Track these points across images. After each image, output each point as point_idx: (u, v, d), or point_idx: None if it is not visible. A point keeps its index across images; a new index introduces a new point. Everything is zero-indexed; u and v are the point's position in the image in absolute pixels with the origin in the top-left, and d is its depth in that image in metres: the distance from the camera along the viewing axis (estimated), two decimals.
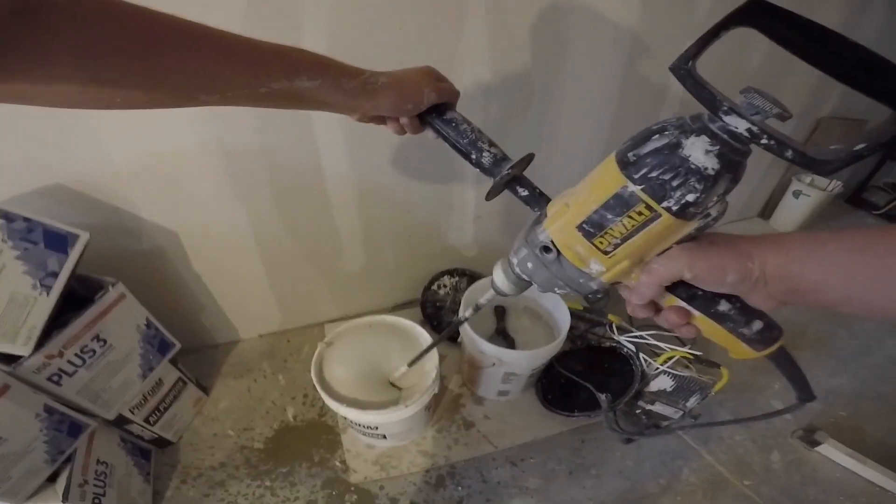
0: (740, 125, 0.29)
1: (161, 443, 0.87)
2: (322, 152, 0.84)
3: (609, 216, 0.32)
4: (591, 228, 0.33)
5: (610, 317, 0.95)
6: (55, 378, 0.64)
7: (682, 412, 0.83)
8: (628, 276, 0.36)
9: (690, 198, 0.29)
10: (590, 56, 0.91)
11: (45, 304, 0.62)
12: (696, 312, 0.35)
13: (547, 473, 0.84)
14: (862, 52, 0.26)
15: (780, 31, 0.28)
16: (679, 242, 0.34)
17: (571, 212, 0.34)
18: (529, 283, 0.44)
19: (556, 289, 0.40)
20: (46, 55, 0.27)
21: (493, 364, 0.83)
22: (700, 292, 0.35)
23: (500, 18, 0.79)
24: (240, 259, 0.95)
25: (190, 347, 1.03)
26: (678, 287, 0.35)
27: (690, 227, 0.32)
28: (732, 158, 0.29)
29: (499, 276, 0.47)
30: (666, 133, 0.30)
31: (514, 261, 0.42)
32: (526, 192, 0.43)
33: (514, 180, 0.44)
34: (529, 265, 0.40)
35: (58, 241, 0.65)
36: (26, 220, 0.62)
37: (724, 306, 0.35)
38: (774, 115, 0.28)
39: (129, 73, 0.31)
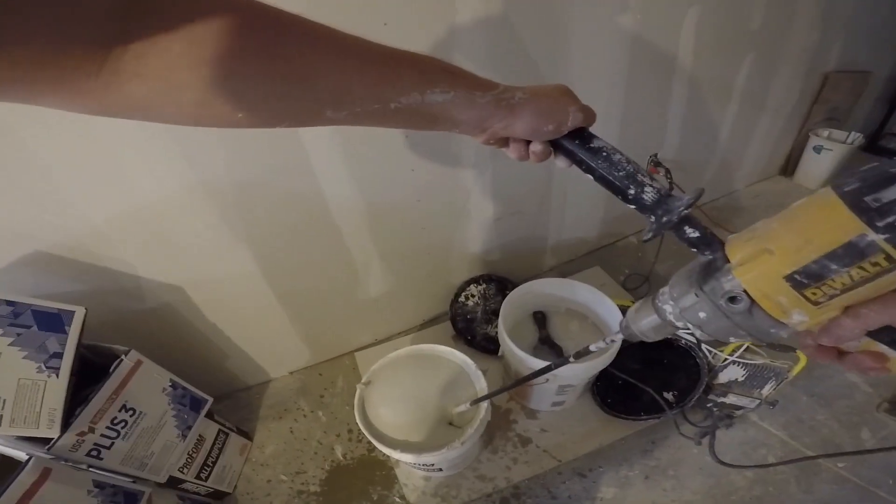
0: None
1: (218, 495, 0.84)
2: (321, 178, 0.77)
3: (833, 266, 0.27)
4: (805, 279, 0.29)
5: None
6: (94, 453, 0.63)
7: (758, 401, 0.78)
8: (834, 325, 0.31)
9: None
10: (593, 46, 0.86)
11: (57, 386, 0.60)
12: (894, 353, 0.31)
13: (620, 481, 0.79)
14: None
15: None
16: None
17: (778, 259, 0.30)
18: (677, 329, 0.38)
19: (730, 338, 0.35)
20: (159, 48, 0.25)
21: (546, 380, 0.77)
22: None
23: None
24: (255, 302, 0.89)
25: (222, 394, 0.99)
26: (882, 332, 0.30)
27: None
28: None
29: (645, 325, 0.40)
30: None
31: (675, 309, 0.36)
32: (696, 234, 0.36)
33: (683, 223, 0.36)
34: (702, 315, 0.34)
35: (52, 321, 0.63)
36: (10, 303, 0.59)
37: None
38: None
39: (251, 78, 0.29)
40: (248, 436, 0.93)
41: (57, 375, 0.60)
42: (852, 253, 0.27)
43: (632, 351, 0.85)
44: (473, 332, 1.02)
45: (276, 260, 0.85)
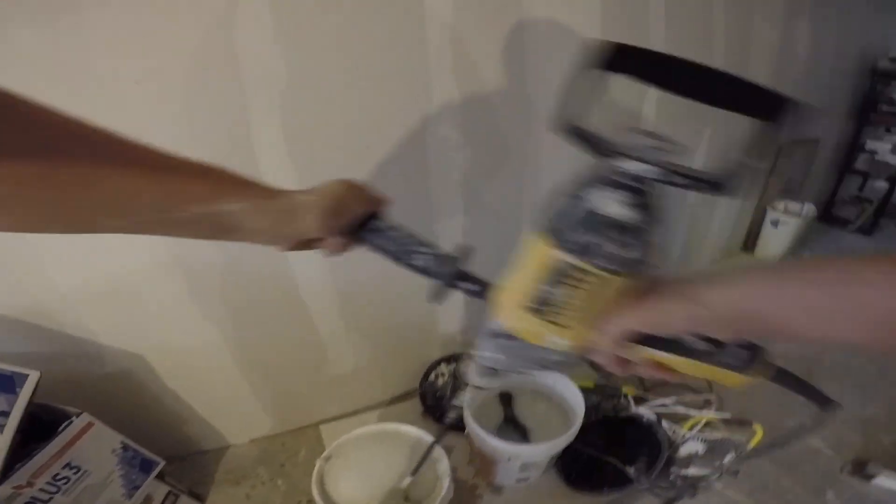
0: (641, 168, 0.28)
1: None
2: (290, 259, 0.79)
3: (551, 290, 0.31)
4: (539, 306, 0.33)
5: (625, 389, 0.90)
6: None
7: (719, 472, 0.77)
8: (590, 340, 0.35)
9: (624, 253, 0.29)
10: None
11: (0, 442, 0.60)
12: (667, 356, 0.34)
13: None
14: (714, 75, 0.27)
15: (645, 73, 0.29)
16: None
17: (515, 295, 0.34)
18: (501, 372, 0.44)
19: (528, 370, 0.40)
20: None
21: (509, 459, 0.77)
22: (662, 337, 0.34)
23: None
24: (218, 372, 0.88)
25: (176, 456, 0.94)
26: (646, 341, 0.34)
27: (634, 276, 0.32)
28: (646, 202, 0.29)
29: (472, 375, 0.46)
30: (579, 196, 0.30)
31: (480, 355, 0.42)
32: (473, 287, 0.40)
33: (458, 277, 0.41)
34: (487, 354, 0.40)
35: (4, 382, 0.64)
36: None
37: (694, 343, 0.34)
38: (665, 150, 0.28)
39: (17, 181, 0.26)
40: (200, 498, 0.89)
41: (1, 432, 0.60)
42: (557, 274, 0.30)
43: (595, 427, 0.86)
44: (442, 410, 1.01)
45: (241, 333, 0.85)
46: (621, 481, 0.79)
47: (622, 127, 0.29)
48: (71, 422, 0.65)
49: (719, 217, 1.40)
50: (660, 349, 0.34)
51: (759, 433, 0.72)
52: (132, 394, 0.83)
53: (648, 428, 0.81)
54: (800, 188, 1.53)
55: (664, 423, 0.79)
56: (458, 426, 0.95)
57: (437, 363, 1.07)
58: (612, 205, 0.28)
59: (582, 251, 0.29)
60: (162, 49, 0.60)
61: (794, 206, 1.47)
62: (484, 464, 0.85)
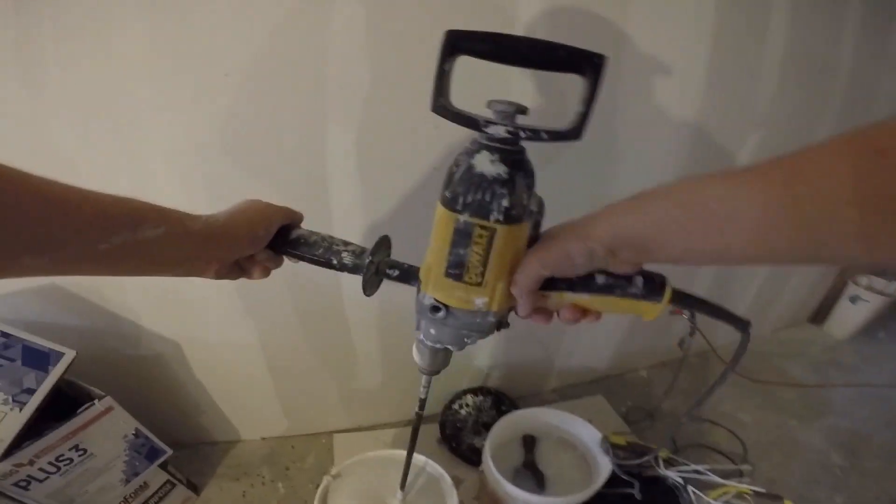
0: (500, 131, 0.33)
1: None
2: (342, 276, 0.77)
3: (461, 251, 0.35)
4: (456, 270, 0.36)
5: (660, 451, 0.84)
6: (23, 484, 0.61)
7: None
8: (508, 294, 0.38)
9: (506, 203, 0.33)
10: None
11: (16, 419, 0.60)
12: (583, 296, 0.37)
13: None
14: (543, 44, 0.32)
15: (482, 50, 0.33)
16: (530, 246, 0.37)
17: (434, 266, 0.37)
18: (446, 351, 0.47)
19: (466, 339, 0.42)
20: None
21: None
22: (573, 279, 0.37)
23: None
24: (246, 369, 0.88)
25: (184, 443, 0.96)
26: (551, 285, 0.37)
27: (527, 228, 0.37)
28: (513, 158, 0.34)
29: (416, 356, 0.49)
30: (461, 164, 0.34)
31: (422, 336, 0.44)
32: (397, 272, 0.44)
33: (382, 266, 0.44)
34: (432, 331, 0.42)
35: (38, 359, 0.64)
36: (4, 335, 0.62)
37: (600, 279, 0.37)
38: (516, 111, 0.34)
39: None
40: (195, 489, 0.89)
41: (21, 410, 0.60)
42: (462, 236, 0.35)
43: (616, 483, 0.80)
44: (460, 441, 0.98)
45: (278, 336, 0.84)
46: None
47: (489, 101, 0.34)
48: (92, 404, 0.65)
49: (795, 282, 1.29)
50: (571, 290, 0.37)
51: None
52: (158, 378, 0.84)
53: (672, 491, 0.77)
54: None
55: (690, 489, 0.74)
56: (473, 461, 0.93)
57: (464, 393, 1.04)
58: (487, 164, 0.33)
59: (476, 209, 0.34)
60: (253, 44, 0.59)
61: (879, 282, 1.33)
62: None
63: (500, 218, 0.34)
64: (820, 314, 1.43)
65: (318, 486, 0.91)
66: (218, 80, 0.59)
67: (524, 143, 0.35)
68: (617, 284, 0.37)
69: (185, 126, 0.62)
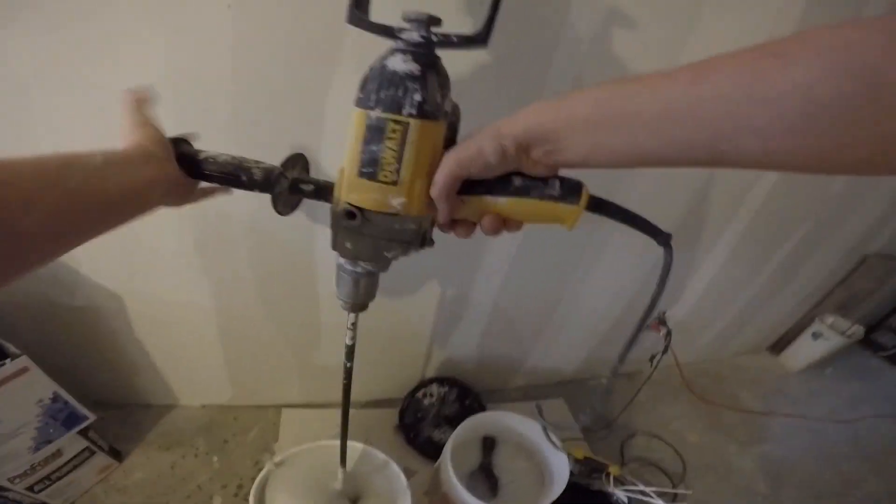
0: (413, 36, 0.35)
1: None
2: (319, 234, 0.70)
3: (375, 148, 0.35)
4: (370, 168, 0.36)
5: (611, 468, 0.83)
6: None
7: None
8: (424, 193, 0.37)
9: (418, 97, 0.34)
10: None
11: None
12: (500, 199, 0.37)
13: None
14: None
15: None
16: (447, 148, 0.37)
17: (346, 168, 0.37)
18: (370, 273, 0.44)
19: (386, 253, 0.40)
20: None
21: None
22: (491, 181, 0.37)
23: None
24: (195, 333, 0.80)
25: (112, 403, 0.87)
26: (469, 188, 0.37)
27: (442, 127, 0.37)
28: (426, 60, 0.35)
29: (337, 287, 0.46)
30: (374, 66, 0.35)
31: (340, 258, 0.43)
32: (312, 187, 0.42)
33: (296, 182, 0.42)
34: (348, 245, 0.40)
35: None
36: None
37: (517, 181, 0.37)
38: (429, 21, 0.35)
39: None
40: (118, 456, 0.82)
41: None
42: (375, 131, 0.35)
43: (563, 495, 0.77)
44: (418, 431, 0.94)
45: (236, 300, 0.76)
46: None
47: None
48: (2, 363, 0.57)
49: (769, 311, 1.29)
50: (490, 193, 0.37)
51: None
52: (91, 332, 0.75)
53: None
54: (858, 306, 1.41)
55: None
56: (428, 453, 0.91)
57: (430, 382, 1.00)
58: (400, 63, 0.34)
59: (389, 104, 0.34)
60: None
61: (842, 323, 1.36)
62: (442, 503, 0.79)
63: (413, 112, 0.34)
64: (780, 344, 1.46)
65: (256, 462, 0.86)
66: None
67: (439, 52, 0.36)
68: (533, 185, 0.37)
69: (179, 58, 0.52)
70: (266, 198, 0.41)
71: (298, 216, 0.65)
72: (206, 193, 0.47)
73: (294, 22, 0.51)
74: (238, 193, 0.55)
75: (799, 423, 1.20)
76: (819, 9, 0.63)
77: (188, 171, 0.41)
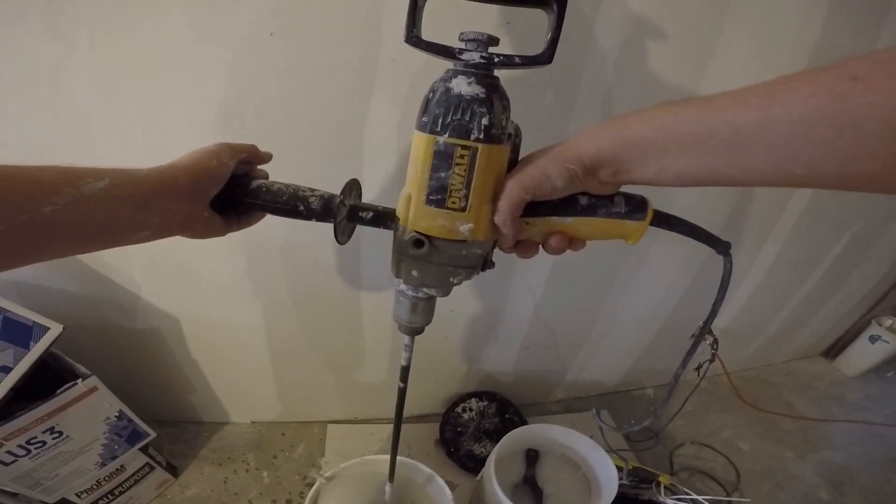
0: (474, 57, 0.35)
1: None
2: (362, 256, 0.72)
3: (443, 174, 0.34)
4: (438, 195, 0.35)
5: (661, 477, 0.81)
6: None
7: None
8: (490, 217, 0.37)
9: (486, 121, 0.33)
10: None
11: None
12: (566, 220, 0.37)
13: None
14: None
15: None
16: (510, 171, 0.36)
17: (414, 195, 0.36)
18: (429, 300, 0.43)
19: (451, 279, 0.39)
20: None
21: None
22: (556, 202, 0.36)
23: None
24: (246, 352, 0.83)
25: (168, 420, 0.92)
26: (533, 210, 0.37)
27: (507, 150, 0.36)
28: (488, 82, 0.34)
29: (396, 310, 0.45)
30: (437, 89, 0.34)
31: (402, 283, 0.42)
32: (371, 214, 0.40)
33: (355, 210, 0.41)
34: (414, 273, 0.39)
35: (20, 333, 0.58)
36: None
37: (583, 200, 0.36)
38: (489, 41, 0.35)
39: None
40: (174, 471, 0.85)
41: None
42: (442, 158, 0.34)
43: None
44: (458, 445, 0.94)
45: (284, 320, 0.80)
46: None
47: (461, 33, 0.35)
48: (75, 384, 0.60)
49: (821, 315, 1.24)
50: (555, 214, 0.37)
51: None
52: (150, 353, 0.80)
53: None
54: None
55: None
56: (469, 467, 0.91)
57: (469, 396, 1.01)
58: (464, 86, 0.34)
59: (456, 129, 0.33)
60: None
61: None
62: None
63: (481, 136, 0.33)
64: (834, 349, 1.40)
65: (304, 477, 0.89)
66: (263, 39, 0.52)
67: (498, 72, 0.35)
68: (600, 204, 0.37)
69: (217, 86, 0.55)
70: (317, 224, 0.40)
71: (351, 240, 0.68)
72: (243, 224, 0.44)
73: (334, 48, 0.53)
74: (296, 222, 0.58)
75: (860, 429, 1.15)
76: (839, 16, 0.61)
77: (235, 199, 0.40)
